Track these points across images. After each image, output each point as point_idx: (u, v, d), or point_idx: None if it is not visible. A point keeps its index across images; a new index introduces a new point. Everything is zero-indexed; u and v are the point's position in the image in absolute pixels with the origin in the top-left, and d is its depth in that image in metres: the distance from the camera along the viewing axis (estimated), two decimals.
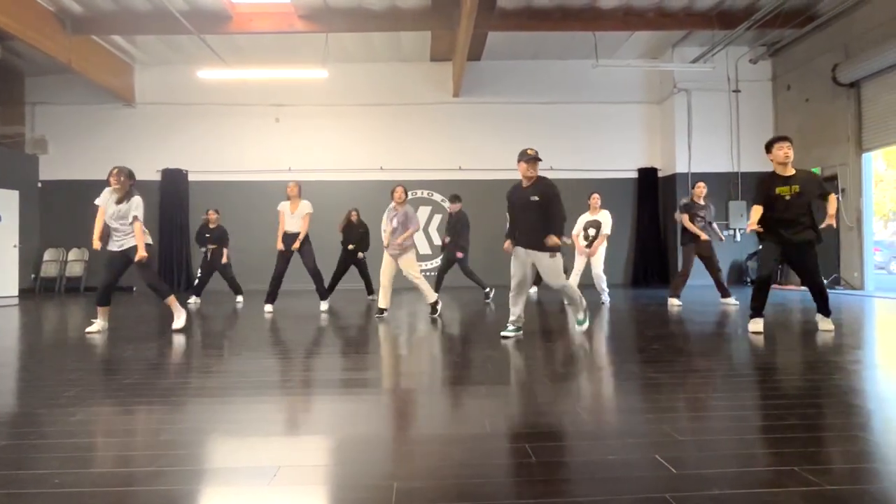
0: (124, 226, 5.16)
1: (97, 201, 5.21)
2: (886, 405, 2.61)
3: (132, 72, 11.81)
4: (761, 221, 4.74)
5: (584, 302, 5.00)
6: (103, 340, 4.80)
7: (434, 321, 5.99)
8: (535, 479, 1.80)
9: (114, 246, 5.21)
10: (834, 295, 8.77)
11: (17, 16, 8.38)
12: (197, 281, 8.75)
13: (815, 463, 1.87)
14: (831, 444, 2.06)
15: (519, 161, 4.66)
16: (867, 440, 2.10)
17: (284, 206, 7.09)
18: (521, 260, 4.72)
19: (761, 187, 4.76)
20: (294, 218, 7.04)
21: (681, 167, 11.42)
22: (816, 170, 10.16)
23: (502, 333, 4.71)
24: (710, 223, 7.26)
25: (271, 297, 7.19)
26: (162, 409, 2.67)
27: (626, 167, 11.98)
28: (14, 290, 10.13)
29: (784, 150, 4.67)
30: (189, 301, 8.25)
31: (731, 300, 7.21)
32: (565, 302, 4.75)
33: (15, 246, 10.47)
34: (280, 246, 6.99)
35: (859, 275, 9.41)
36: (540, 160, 4.67)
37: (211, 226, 8.64)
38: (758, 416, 2.46)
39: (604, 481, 1.77)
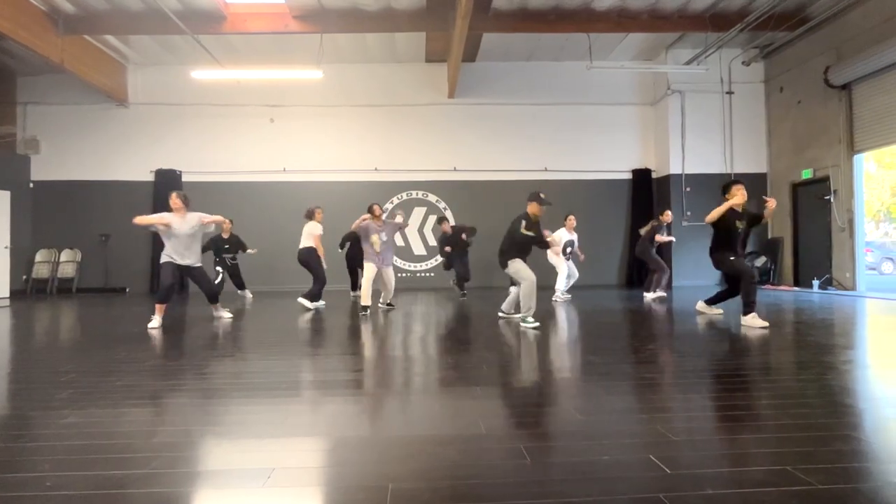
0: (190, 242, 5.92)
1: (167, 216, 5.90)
2: (878, 405, 2.63)
3: (125, 72, 11.74)
4: (722, 244, 5.65)
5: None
6: (97, 342, 4.77)
7: (389, 311, 6.99)
8: (530, 479, 1.80)
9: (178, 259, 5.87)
10: (826, 295, 8.84)
11: (9, 15, 8.31)
12: (219, 281, 8.95)
13: (807, 462, 1.88)
14: (824, 443, 2.08)
15: (533, 201, 5.57)
16: (859, 440, 2.12)
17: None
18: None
19: (724, 217, 5.61)
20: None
21: (675, 168, 11.47)
22: (808, 172, 10.26)
23: (526, 326, 5.34)
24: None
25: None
26: (155, 411, 2.66)
27: (620, 168, 12.01)
28: (5, 292, 10.06)
29: (743, 192, 5.58)
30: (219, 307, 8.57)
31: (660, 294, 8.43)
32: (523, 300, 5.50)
33: (6, 247, 10.40)
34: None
35: (851, 275, 9.48)
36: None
37: (225, 235, 8.76)
38: (751, 416, 2.47)
39: (598, 481, 1.78)
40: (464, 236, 9.07)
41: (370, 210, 7.02)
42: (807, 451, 2.00)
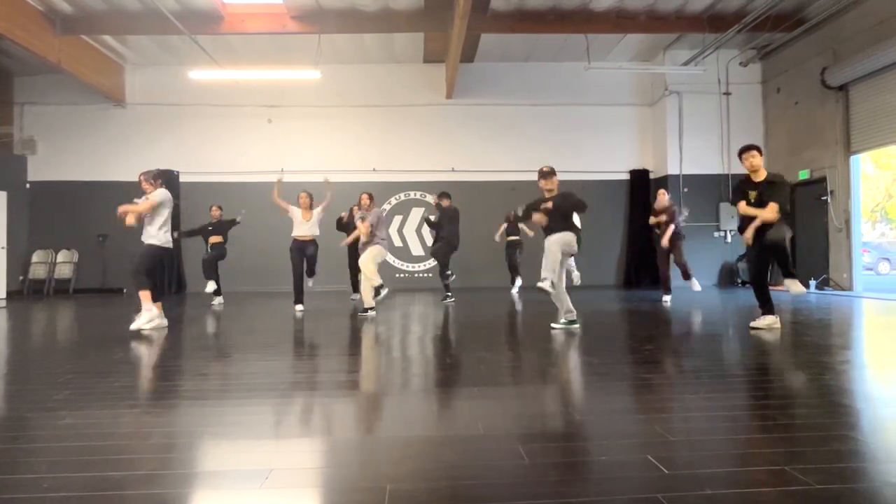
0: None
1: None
2: (875, 405, 2.64)
3: (123, 72, 11.71)
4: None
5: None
6: (94, 343, 4.76)
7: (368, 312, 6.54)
8: (528, 480, 1.80)
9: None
10: (823, 296, 8.86)
11: (6, 15, 8.29)
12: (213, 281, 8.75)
13: (805, 462, 1.88)
14: (821, 443, 2.08)
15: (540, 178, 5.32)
16: (856, 440, 2.12)
17: (296, 212, 7.61)
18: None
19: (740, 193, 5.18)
20: (308, 224, 7.62)
21: (672, 169, 11.49)
22: (805, 172, 10.28)
23: (553, 325, 5.10)
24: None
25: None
26: (152, 412, 2.65)
27: (618, 169, 12.04)
28: (2, 293, 10.02)
29: (750, 161, 5.08)
30: (213, 302, 8.48)
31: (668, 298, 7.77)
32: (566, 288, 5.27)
33: (2, 247, 10.36)
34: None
35: (848, 276, 9.50)
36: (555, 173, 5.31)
37: (214, 220, 8.77)
38: (748, 416, 2.48)
39: (596, 482, 1.78)
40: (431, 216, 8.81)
41: (359, 200, 7.03)
42: (804, 451, 2.00)
